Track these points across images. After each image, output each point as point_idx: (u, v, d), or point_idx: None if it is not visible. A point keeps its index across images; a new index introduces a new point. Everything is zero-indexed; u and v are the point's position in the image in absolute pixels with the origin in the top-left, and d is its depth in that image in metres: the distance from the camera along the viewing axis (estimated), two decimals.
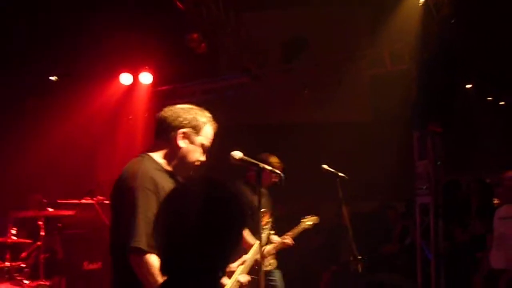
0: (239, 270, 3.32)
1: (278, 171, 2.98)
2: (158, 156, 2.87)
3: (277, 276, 5.74)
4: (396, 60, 8.45)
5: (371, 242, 8.41)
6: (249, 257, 3.74)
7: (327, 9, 10.00)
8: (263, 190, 5.58)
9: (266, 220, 4.46)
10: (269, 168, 2.95)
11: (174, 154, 2.87)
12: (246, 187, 5.46)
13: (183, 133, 2.86)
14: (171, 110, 2.92)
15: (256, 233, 5.24)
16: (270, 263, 5.55)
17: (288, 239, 5.68)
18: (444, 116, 7.00)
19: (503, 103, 10.31)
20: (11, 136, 8.76)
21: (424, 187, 7.41)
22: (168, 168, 2.87)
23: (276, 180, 5.49)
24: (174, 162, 2.89)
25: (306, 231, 5.93)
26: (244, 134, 8.76)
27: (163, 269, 2.07)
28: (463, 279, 7.35)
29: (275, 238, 5.66)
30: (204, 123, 2.91)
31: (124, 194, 2.70)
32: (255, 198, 5.28)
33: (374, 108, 11.13)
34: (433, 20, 7.19)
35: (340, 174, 4.95)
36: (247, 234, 4.98)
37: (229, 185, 2.29)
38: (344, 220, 5.38)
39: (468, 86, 9.53)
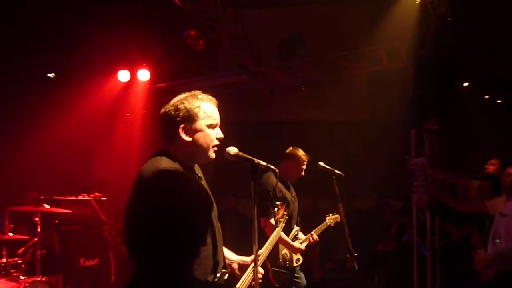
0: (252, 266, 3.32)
1: (273, 167, 2.97)
2: (173, 153, 2.85)
3: (302, 274, 5.77)
4: (393, 58, 8.47)
5: (367, 240, 8.43)
6: (264, 250, 3.75)
7: (325, 6, 9.99)
8: (291, 186, 5.79)
9: (281, 213, 4.49)
10: (264, 163, 2.94)
11: (185, 148, 2.86)
12: (279, 181, 5.53)
13: (182, 127, 2.85)
14: (164, 110, 2.92)
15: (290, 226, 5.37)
16: (298, 259, 5.58)
17: (314, 236, 5.73)
18: (441, 114, 7.03)
19: (500, 101, 10.33)
20: (7, 133, 8.75)
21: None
22: (185, 161, 2.87)
23: (302, 175, 5.66)
24: (189, 155, 2.89)
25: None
26: (241, 131, 8.76)
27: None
28: (458, 277, 7.37)
29: (301, 235, 5.70)
30: (197, 106, 2.88)
31: (140, 192, 2.70)
32: (287, 193, 5.49)
33: (371, 106, 11.13)
34: (430, 18, 7.22)
35: (337, 171, 4.96)
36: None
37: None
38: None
39: (465, 84, 9.53)
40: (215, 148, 2.95)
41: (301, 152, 5.82)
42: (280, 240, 5.11)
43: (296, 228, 5.60)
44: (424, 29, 7.31)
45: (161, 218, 2.57)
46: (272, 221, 5.13)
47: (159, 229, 2.57)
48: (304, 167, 5.75)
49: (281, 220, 4.40)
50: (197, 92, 2.98)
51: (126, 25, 8.65)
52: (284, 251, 5.47)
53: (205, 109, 2.90)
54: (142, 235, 2.61)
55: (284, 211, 4.45)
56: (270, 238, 4.00)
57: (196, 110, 2.87)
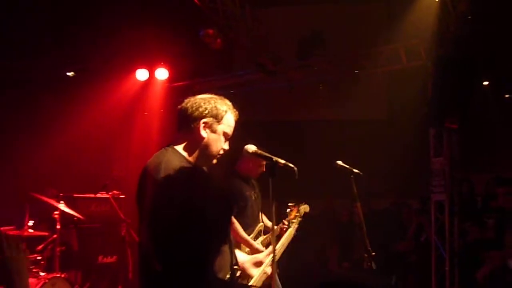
0: (267, 261, 3.32)
1: (291, 165, 2.97)
2: (181, 148, 2.87)
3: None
4: (412, 57, 8.39)
5: (385, 239, 8.38)
6: (278, 248, 3.75)
7: (343, 5, 9.97)
8: (254, 182, 5.55)
9: (294, 214, 4.46)
10: (282, 161, 2.94)
11: (196, 144, 2.89)
12: (239, 180, 5.43)
13: (205, 123, 2.87)
14: (192, 101, 2.94)
15: (254, 223, 5.27)
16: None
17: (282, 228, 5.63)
18: (461, 113, 6.96)
19: None
20: (27, 131, 8.84)
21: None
22: (191, 159, 2.88)
23: (264, 170, 5.46)
24: (197, 153, 2.90)
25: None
26: (259, 130, 8.75)
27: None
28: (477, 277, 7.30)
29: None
30: (225, 111, 2.94)
31: (148, 187, 2.71)
32: (246, 190, 5.26)
33: (390, 105, 11.08)
34: (449, 17, 7.15)
35: (355, 170, 4.92)
36: (239, 228, 4.98)
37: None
38: (357, 216, 5.36)
39: (485, 83, 9.44)
40: (218, 156, 2.98)
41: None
42: (240, 238, 5.02)
43: (260, 224, 5.50)
44: (444, 27, 7.24)
45: (181, 219, 2.56)
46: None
47: (180, 230, 2.55)
48: (265, 162, 5.40)
49: (294, 221, 4.40)
50: (227, 100, 3.04)
51: (144, 24, 8.69)
52: (247, 250, 5.38)
53: (228, 117, 2.97)
54: (163, 235, 2.57)
55: (297, 212, 4.43)
56: (282, 239, 4.02)
57: (223, 113, 2.94)
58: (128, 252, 7.36)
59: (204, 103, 2.90)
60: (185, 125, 2.90)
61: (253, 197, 5.46)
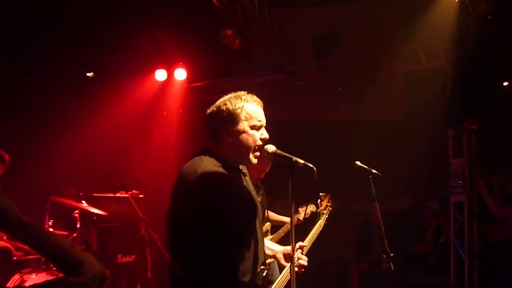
0: (297, 255, 3.31)
1: (311, 165, 2.94)
2: (216, 154, 2.85)
3: (274, 266, 5.63)
4: (431, 57, 8.35)
5: (403, 241, 8.34)
6: (306, 243, 3.73)
7: (361, 5, 9.94)
8: (259, 184, 5.49)
9: (325, 204, 4.40)
10: (302, 161, 2.92)
11: (229, 149, 2.86)
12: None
13: (226, 129, 2.84)
14: (208, 111, 2.92)
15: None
16: None
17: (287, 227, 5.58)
18: (480, 114, 6.91)
19: None
20: (47, 132, 8.92)
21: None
22: (230, 162, 2.86)
23: (262, 177, 5.35)
24: (233, 156, 2.88)
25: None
26: (276, 131, 8.75)
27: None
28: (497, 280, 7.24)
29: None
30: (240, 108, 2.85)
31: (181, 192, 2.71)
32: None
33: (408, 106, 11.02)
34: (469, 17, 7.11)
35: (374, 171, 4.89)
36: None
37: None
38: (376, 217, 5.32)
39: (505, 83, 9.35)
40: (257, 154, 2.91)
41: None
42: None
43: (267, 223, 5.46)
44: (463, 27, 7.20)
45: (207, 224, 2.56)
46: None
47: (205, 235, 2.55)
48: (267, 169, 5.15)
49: (324, 212, 4.33)
50: (242, 92, 2.95)
51: (163, 25, 8.73)
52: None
53: (248, 110, 2.87)
54: (187, 240, 2.58)
55: (328, 202, 4.39)
56: (313, 231, 3.96)
57: (238, 111, 2.84)
58: (147, 251, 7.39)
59: (218, 111, 2.87)
60: (212, 136, 2.89)
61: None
